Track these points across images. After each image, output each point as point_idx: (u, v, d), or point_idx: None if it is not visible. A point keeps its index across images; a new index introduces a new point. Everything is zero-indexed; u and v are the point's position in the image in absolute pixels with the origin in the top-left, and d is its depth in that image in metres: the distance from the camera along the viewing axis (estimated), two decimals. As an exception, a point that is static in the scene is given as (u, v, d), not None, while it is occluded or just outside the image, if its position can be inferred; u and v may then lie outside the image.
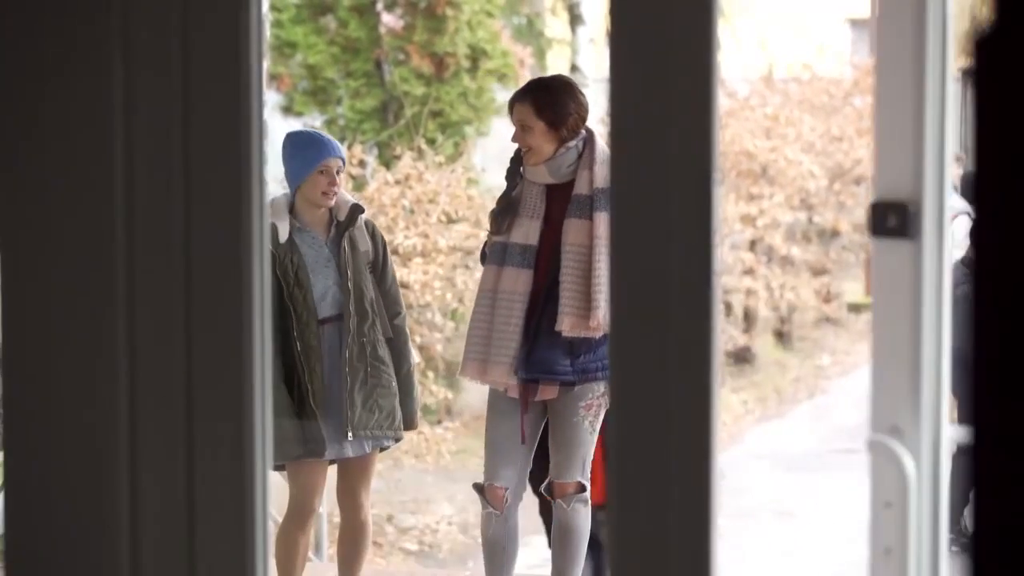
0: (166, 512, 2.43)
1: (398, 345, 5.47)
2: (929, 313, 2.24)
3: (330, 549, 7.94)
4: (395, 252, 10.22)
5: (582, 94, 5.28)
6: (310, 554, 5.76)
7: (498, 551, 5.29)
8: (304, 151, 5.38)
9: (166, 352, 2.42)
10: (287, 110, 13.71)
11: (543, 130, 5.16)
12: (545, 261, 5.15)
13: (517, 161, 5.29)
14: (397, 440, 5.52)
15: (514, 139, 5.25)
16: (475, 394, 11.69)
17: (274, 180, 8.39)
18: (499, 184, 5.46)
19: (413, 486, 10.87)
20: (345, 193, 5.51)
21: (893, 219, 2.23)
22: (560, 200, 5.18)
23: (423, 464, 11.14)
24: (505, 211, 5.26)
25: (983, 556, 1.58)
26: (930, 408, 2.23)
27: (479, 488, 5.30)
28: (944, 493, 2.23)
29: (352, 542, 5.53)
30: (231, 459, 2.41)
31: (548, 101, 5.17)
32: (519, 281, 5.16)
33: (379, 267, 5.47)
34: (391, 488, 10.54)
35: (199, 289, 2.41)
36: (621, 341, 2.27)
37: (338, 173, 5.40)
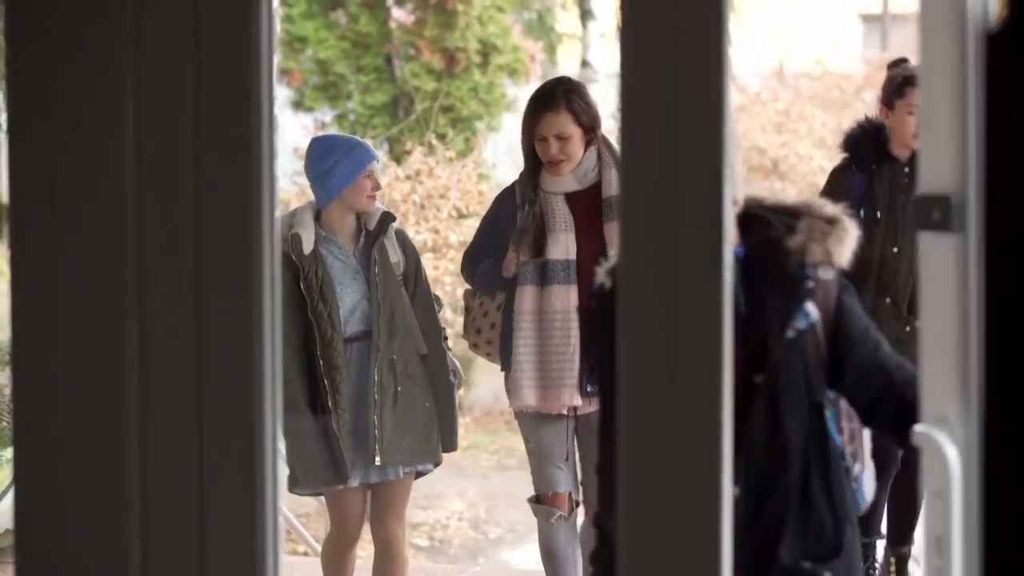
0: (175, 510, 2.43)
1: (435, 362, 5.09)
2: (975, 305, 2.22)
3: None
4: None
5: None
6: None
7: (567, 558, 5.04)
8: (349, 154, 5.00)
9: (176, 350, 2.42)
10: (298, 105, 13.72)
11: (580, 136, 4.94)
12: (586, 272, 4.70)
13: (532, 179, 5.02)
14: (436, 464, 5.17)
15: (548, 154, 4.95)
16: (485, 390, 11.70)
17: (283, 175, 8.38)
18: (509, 179, 5.27)
19: (423, 482, 10.85)
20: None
21: (937, 213, 2.23)
22: (582, 206, 4.97)
23: (433, 459, 11.13)
24: (534, 232, 4.98)
25: (1004, 544, 1.57)
26: (977, 399, 2.22)
27: (537, 500, 5.06)
28: (992, 482, 2.21)
29: (380, 573, 5.20)
30: (241, 456, 2.41)
31: (583, 106, 4.94)
32: (569, 298, 4.90)
33: (411, 279, 5.09)
34: (401, 484, 10.53)
35: (209, 286, 2.40)
36: (630, 341, 2.27)
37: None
